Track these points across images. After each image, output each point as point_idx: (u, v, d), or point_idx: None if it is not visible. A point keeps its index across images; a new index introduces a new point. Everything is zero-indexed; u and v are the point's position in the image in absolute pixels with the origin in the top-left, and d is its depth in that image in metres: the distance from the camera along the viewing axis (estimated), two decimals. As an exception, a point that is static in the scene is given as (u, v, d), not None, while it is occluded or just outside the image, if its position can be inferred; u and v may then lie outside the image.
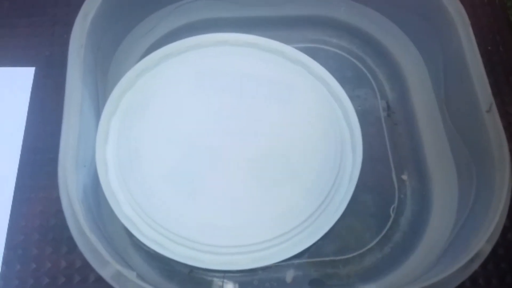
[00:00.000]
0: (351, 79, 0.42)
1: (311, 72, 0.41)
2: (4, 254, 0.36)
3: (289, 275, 0.36)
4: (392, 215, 0.38)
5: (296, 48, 0.41)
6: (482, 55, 0.35)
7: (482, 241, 0.28)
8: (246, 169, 0.37)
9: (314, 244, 0.35)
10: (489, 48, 0.46)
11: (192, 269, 0.35)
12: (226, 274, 0.35)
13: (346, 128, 0.39)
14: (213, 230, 0.35)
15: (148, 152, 0.37)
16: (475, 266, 0.28)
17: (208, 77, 0.40)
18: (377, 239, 0.37)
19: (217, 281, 0.35)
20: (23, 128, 0.40)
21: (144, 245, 0.34)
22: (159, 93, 0.39)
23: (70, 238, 0.36)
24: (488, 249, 0.28)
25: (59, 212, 0.37)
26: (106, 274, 0.27)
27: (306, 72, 0.41)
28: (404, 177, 0.39)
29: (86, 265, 0.36)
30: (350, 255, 0.36)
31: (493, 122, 0.32)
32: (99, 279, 0.35)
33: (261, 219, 0.36)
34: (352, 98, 0.40)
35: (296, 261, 0.36)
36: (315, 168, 0.37)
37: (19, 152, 0.39)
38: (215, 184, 0.36)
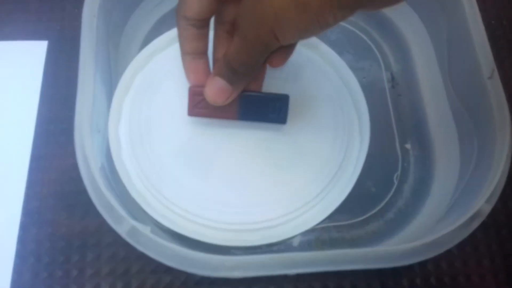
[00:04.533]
0: (356, 51, 0.43)
1: (318, 53, 0.41)
2: (21, 219, 0.37)
3: (296, 240, 0.37)
4: (396, 183, 0.39)
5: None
6: (485, 29, 0.35)
7: (482, 201, 0.29)
8: (256, 149, 0.38)
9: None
10: (492, 22, 0.46)
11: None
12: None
13: (354, 110, 0.40)
14: (224, 207, 0.36)
15: (159, 130, 0.38)
16: (475, 225, 0.29)
17: None
18: (381, 205, 0.38)
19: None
20: (38, 100, 0.41)
21: (156, 221, 0.35)
22: (170, 74, 0.39)
23: (84, 204, 0.37)
24: (488, 209, 0.29)
25: (73, 179, 0.39)
26: (121, 230, 0.28)
27: (312, 54, 0.41)
28: (408, 146, 0.40)
29: (100, 230, 0.37)
30: (355, 221, 0.37)
31: (495, 88, 0.33)
32: (113, 242, 0.37)
33: (270, 197, 0.36)
34: (357, 69, 0.41)
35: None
36: (323, 148, 0.38)
37: (34, 123, 0.40)
38: (225, 163, 0.37)
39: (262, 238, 0.35)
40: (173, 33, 0.41)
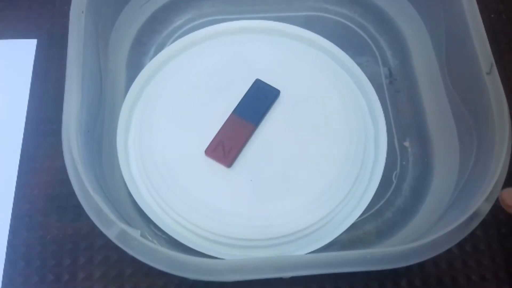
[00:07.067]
0: (353, 47, 0.42)
1: (321, 49, 0.41)
2: (11, 222, 0.37)
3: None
4: (395, 181, 0.38)
5: (297, 16, 0.41)
6: (485, 23, 0.35)
7: (481, 199, 0.28)
8: (274, 155, 0.37)
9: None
10: (492, 16, 0.46)
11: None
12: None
13: (361, 95, 0.40)
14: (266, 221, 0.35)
15: (173, 144, 0.37)
16: (474, 224, 0.28)
17: (218, 65, 0.40)
18: (379, 205, 0.37)
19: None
20: (27, 99, 0.40)
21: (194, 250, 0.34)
22: (169, 89, 0.39)
23: (75, 206, 0.36)
24: (487, 207, 0.29)
25: (64, 181, 0.37)
26: (111, 233, 0.28)
27: (321, 53, 0.41)
28: (406, 144, 0.39)
29: (91, 232, 0.37)
30: (353, 221, 0.36)
31: (494, 84, 0.32)
32: (104, 245, 0.36)
33: (301, 203, 0.36)
34: (354, 65, 0.41)
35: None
36: (342, 149, 0.38)
37: (24, 123, 0.40)
38: (244, 176, 0.36)
39: (299, 247, 0.35)
40: (184, 40, 0.40)
